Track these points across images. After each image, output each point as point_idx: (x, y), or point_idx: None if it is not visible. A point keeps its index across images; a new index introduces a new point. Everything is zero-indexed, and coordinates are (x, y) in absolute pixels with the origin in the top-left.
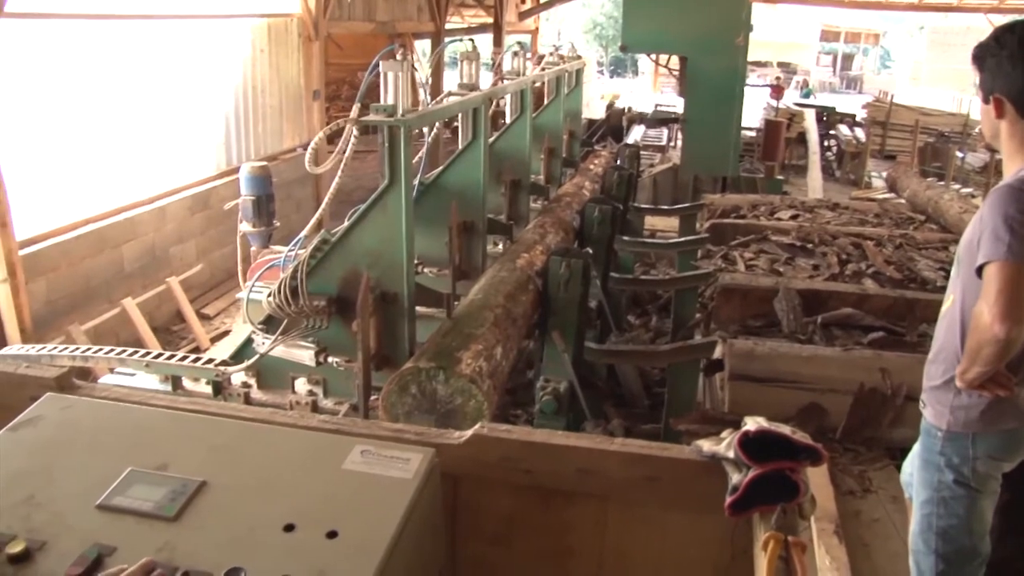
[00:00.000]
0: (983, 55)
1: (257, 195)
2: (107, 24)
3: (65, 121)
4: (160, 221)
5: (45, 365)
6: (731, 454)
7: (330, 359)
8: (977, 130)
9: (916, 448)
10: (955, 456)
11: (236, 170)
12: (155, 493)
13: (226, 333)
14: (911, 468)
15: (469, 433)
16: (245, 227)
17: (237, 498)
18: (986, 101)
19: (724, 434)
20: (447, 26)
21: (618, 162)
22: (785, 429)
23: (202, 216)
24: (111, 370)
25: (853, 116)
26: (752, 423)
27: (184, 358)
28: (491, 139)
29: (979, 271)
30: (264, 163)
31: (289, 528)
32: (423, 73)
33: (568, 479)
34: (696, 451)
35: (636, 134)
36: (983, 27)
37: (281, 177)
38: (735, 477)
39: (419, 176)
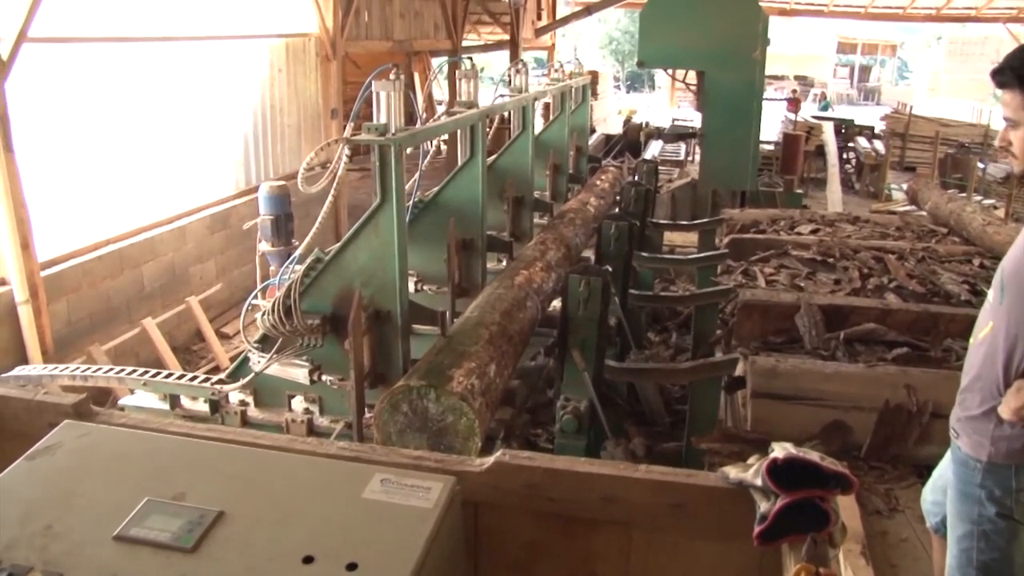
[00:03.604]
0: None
1: (276, 214)
2: (127, 47)
3: (86, 143)
4: (180, 241)
5: (61, 392)
6: (759, 482)
7: (324, 377)
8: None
9: (940, 475)
10: (997, 488)
11: (255, 189)
12: (172, 524)
13: None
14: (933, 497)
15: (491, 460)
16: (264, 246)
17: (255, 529)
18: None
19: (751, 460)
20: (464, 43)
21: (635, 178)
22: (814, 456)
23: (221, 235)
24: (131, 391)
25: (872, 128)
26: (780, 449)
27: (181, 376)
28: (494, 156)
29: None
30: (283, 182)
31: (308, 560)
32: (441, 90)
33: (591, 506)
34: (722, 478)
35: (654, 149)
36: (1002, 36)
37: (300, 196)
38: (763, 505)
39: (417, 194)
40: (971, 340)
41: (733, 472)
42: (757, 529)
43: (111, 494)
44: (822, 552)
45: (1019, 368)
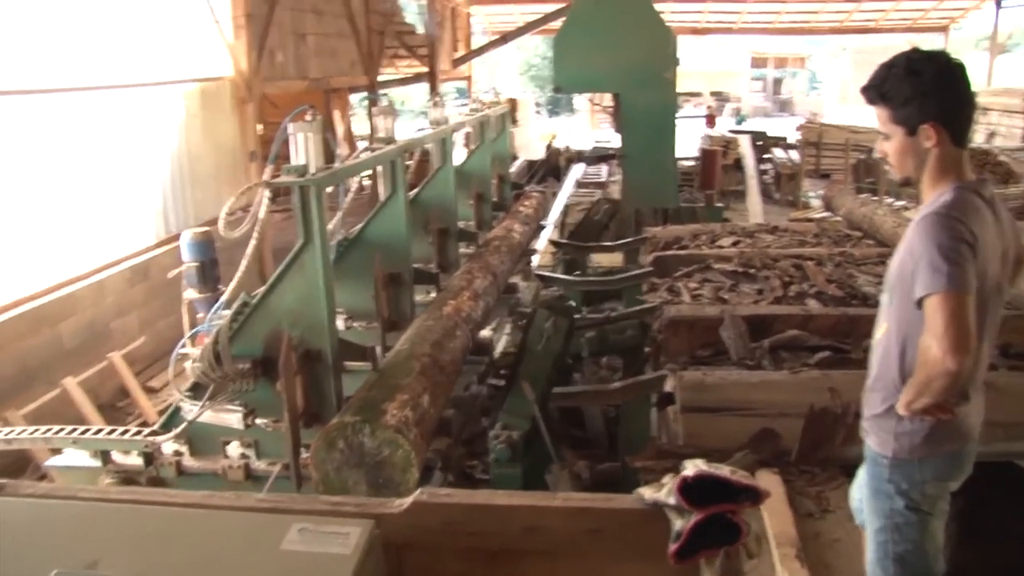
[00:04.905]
0: (896, 87)
1: (201, 261)
2: (35, 99)
3: None
4: (99, 295)
5: None
6: (672, 500)
7: (259, 420)
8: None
9: (862, 476)
10: (904, 482)
11: (176, 238)
12: None
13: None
14: (859, 495)
15: (409, 501)
16: (191, 294)
17: None
18: (911, 133)
19: (664, 479)
20: (382, 78)
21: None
22: (724, 470)
23: (142, 287)
24: (59, 451)
25: (786, 139)
26: (691, 467)
27: (112, 431)
28: (416, 189)
29: (919, 303)
30: (206, 228)
31: None
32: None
33: (514, 538)
34: (638, 499)
35: (576, 172)
36: (902, 46)
37: (223, 242)
38: (678, 523)
39: (341, 232)
40: (872, 341)
41: (648, 493)
42: (673, 547)
43: (17, 569)
44: (735, 565)
45: (912, 366)
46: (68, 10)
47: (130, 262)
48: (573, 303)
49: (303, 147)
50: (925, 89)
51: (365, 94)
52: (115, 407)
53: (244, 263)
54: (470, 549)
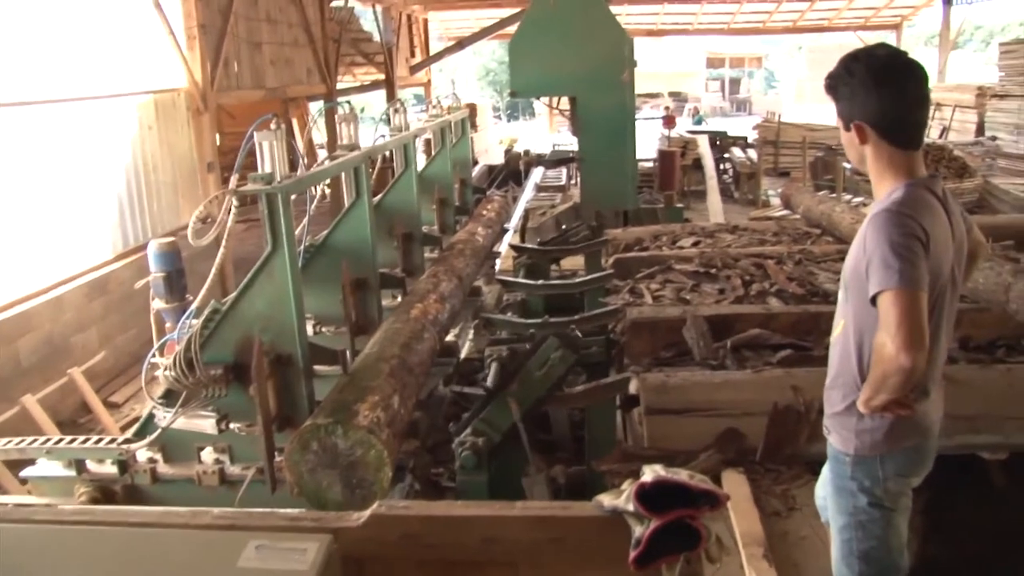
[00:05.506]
0: (836, 85)
1: (167, 271)
2: None
3: None
4: (57, 311)
5: None
6: (631, 507)
7: (232, 425)
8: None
9: (826, 474)
10: (866, 479)
11: (134, 251)
12: None
13: (136, 420)
14: (824, 492)
15: (367, 514)
16: (158, 304)
17: None
18: (847, 129)
19: (624, 486)
20: (340, 86)
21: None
22: (683, 475)
23: (101, 302)
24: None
25: (745, 138)
26: (649, 473)
27: (86, 440)
28: (380, 195)
29: (873, 300)
30: (172, 238)
31: None
32: (321, 134)
33: (473, 549)
34: (597, 507)
35: (536, 176)
36: (855, 43)
37: (186, 251)
38: (637, 530)
39: (307, 239)
40: (830, 339)
41: (607, 500)
42: (632, 554)
43: None
44: (695, 570)
45: (869, 362)
46: (19, 23)
47: (88, 276)
48: (580, 335)
49: (268, 155)
50: (854, 90)
51: (323, 103)
52: (76, 423)
53: (213, 271)
54: (430, 561)
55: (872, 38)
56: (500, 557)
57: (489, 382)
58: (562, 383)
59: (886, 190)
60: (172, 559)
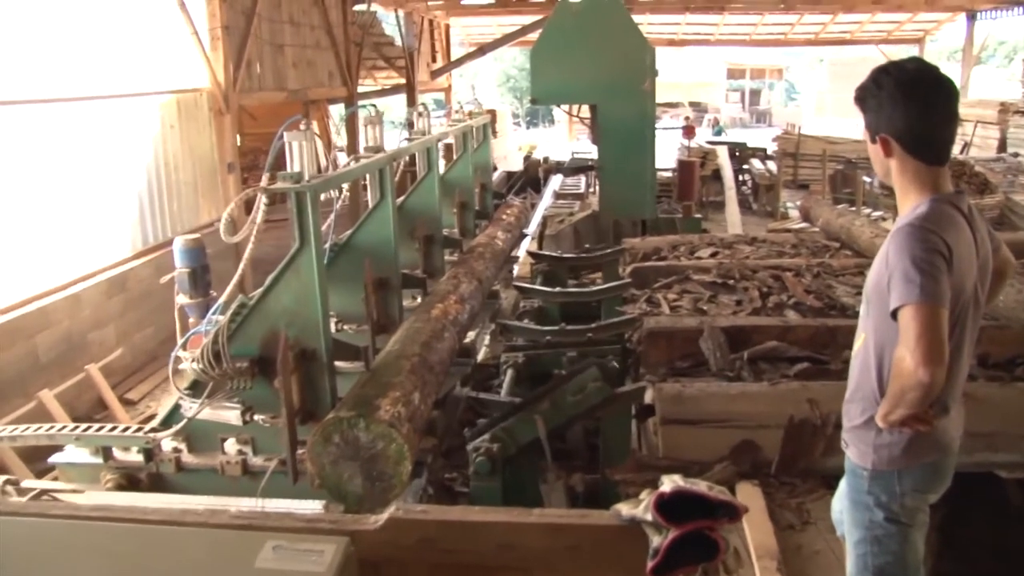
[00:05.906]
0: (864, 97)
1: (192, 267)
2: (10, 110)
3: None
4: (75, 307)
5: None
6: (649, 516)
7: (256, 417)
8: None
9: (843, 487)
10: (883, 494)
11: (153, 249)
12: None
13: (151, 417)
14: (840, 506)
15: (384, 517)
16: (182, 299)
17: None
18: (873, 141)
19: (642, 495)
20: (360, 89)
21: None
22: (702, 486)
23: (120, 299)
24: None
25: (764, 150)
26: (668, 483)
27: (114, 428)
28: (402, 197)
29: (894, 314)
30: (197, 235)
31: None
32: (340, 137)
33: (489, 555)
34: (615, 515)
35: (554, 183)
36: (877, 57)
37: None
38: (655, 540)
39: (332, 237)
40: (851, 352)
41: (625, 509)
42: (650, 564)
43: None
44: None
45: (888, 377)
46: (44, 22)
47: (107, 274)
48: (616, 365)
49: (297, 155)
50: (881, 102)
51: (346, 106)
52: (92, 419)
53: (242, 265)
54: (446, 565)
55: (894, 52)
56: (516, 563)
57: (504, 389)
58: (593, 413)
59: (910, 204)
60: (189, 557)
